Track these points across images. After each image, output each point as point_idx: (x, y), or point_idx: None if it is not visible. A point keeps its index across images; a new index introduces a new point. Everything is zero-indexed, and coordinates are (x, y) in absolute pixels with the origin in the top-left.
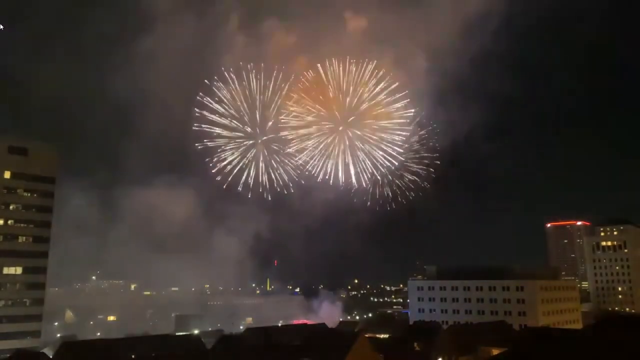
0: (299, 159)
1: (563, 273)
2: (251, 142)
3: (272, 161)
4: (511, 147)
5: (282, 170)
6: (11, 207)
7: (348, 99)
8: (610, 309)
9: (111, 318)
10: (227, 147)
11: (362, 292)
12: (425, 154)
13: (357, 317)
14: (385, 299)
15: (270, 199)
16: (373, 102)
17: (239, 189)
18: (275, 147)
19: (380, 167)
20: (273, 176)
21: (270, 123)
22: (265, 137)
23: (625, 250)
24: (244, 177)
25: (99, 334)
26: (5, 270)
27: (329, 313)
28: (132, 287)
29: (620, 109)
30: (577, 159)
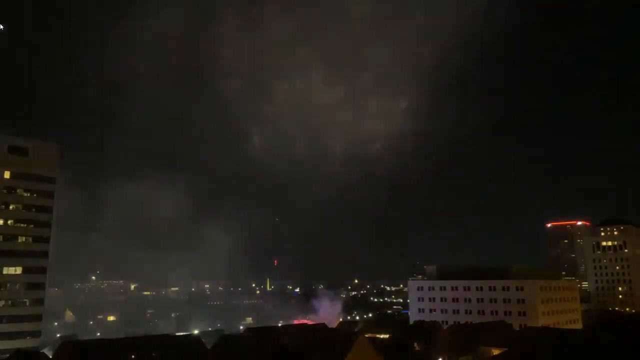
0: None
1: (563, 273)
2: None
3: None
4: (512, 146)
5: None
6: (11, 207)
7: None
8: (610, 309)
9: (111, 318)
10: None
11: (362, 292)
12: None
13: (357, 317)
14: (385, 299)
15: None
16: None
17: None
18: None
19: None
20: None
21: None
22: None
23: (626, 250)
24: None
25: (99, 334)
26: (5, 270)
27: (329, 313)
28: (132, 287)
29: (623, 106)
30: (577, 158)
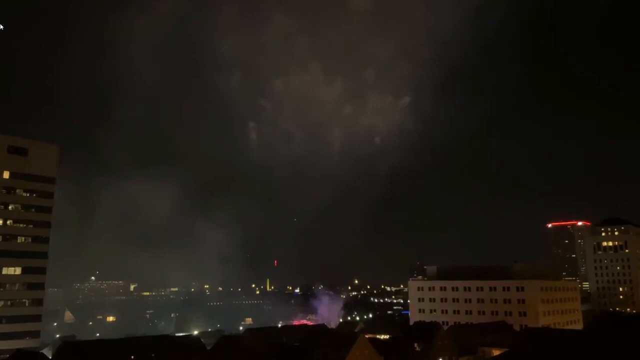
0: None
1: (564, 273)
2: None
3: None
4: (511, 145)
5: None
6: (11, 207)
7: None
8: (610, 309)
9: (111, 318)
10: None
11: (362, 292)
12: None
13: (357, 318)
14: (386, 299)
15: None
16: None
17: None
18: None
19: None
20: None
21: None
22: None
23: (626, 250)
24: None
25: (98, 334)
26: (5, 271)
27: (329, 313)
28: (132, 287)
29: (623, 106)
30: (577, 158)
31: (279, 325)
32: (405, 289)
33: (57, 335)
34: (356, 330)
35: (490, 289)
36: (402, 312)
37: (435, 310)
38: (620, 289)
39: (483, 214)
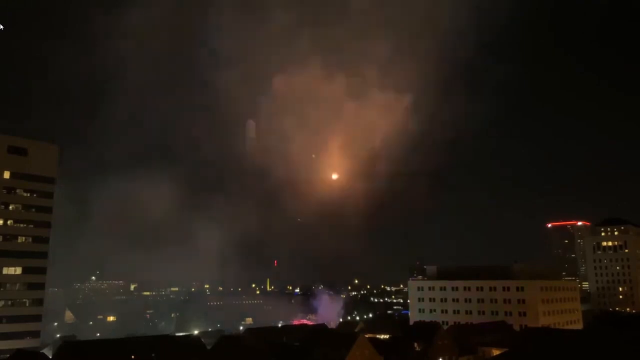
0: None
1: (563, 273)
2: None
3: None
4: (512, 145)
5: None
6: (11, 207)
7: None
8: (610, 309)
9: (111, 318)
10: None
11: (362, 292)
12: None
13: (357, 318)
14: (386, 299)
15: None
16: None
17: None
18: None
19: None
20: None
21: None
22: None
23: (626, 250)
24: None
25: (98, 334)
26: (5, 271)
27: (329, 313)
28: (132, 287)
29: (623, 106)
30: (577, 158)
31: (279, 325)
32: (405, 289)
33: (58, 335)
34: (356, 330)
35: (490, 289)
36: (402, 312)
37: (435, 310)
38: (620, 289)
39: (483, 214)
